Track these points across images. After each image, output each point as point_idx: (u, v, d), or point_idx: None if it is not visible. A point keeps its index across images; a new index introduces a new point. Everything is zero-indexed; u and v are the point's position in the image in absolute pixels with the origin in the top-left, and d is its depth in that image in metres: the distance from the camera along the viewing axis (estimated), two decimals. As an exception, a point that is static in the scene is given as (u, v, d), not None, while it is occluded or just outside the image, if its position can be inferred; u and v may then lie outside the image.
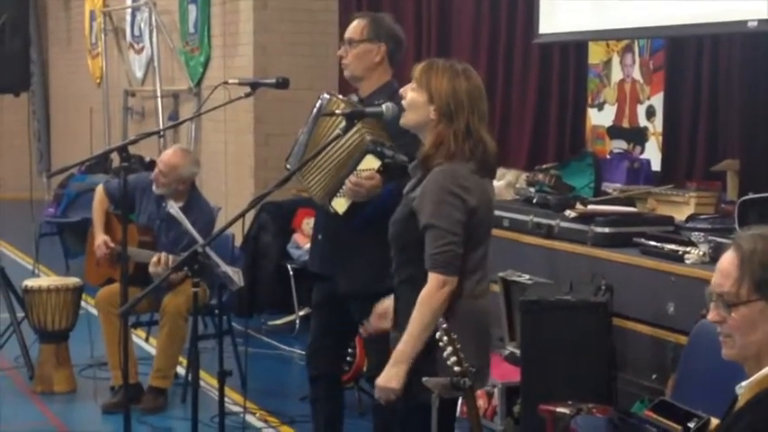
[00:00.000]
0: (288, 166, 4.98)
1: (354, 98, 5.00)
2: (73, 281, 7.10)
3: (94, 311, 6.93)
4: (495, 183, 4.84)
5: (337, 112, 4.54)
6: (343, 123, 4.23)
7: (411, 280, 3.84)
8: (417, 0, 9.19)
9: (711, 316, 2.60)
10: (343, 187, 4.70)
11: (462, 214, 3.73)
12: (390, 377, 3.75)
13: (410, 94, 3.90)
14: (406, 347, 3.74)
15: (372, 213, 4.67)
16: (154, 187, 6.71)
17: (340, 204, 4.75)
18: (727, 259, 2.56)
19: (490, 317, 3.98)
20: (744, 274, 2.54)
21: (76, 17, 15.01)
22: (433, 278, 3.72)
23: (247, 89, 5.21)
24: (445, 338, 3.45)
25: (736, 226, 5.50)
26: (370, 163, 4.65)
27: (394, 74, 5.08)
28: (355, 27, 5.04)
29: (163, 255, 6.30)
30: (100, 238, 6.71)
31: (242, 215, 4.12)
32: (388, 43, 5.02)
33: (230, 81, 5.23)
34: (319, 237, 5.08)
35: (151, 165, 9.05)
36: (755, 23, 5.59)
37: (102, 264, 6.78)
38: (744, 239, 2.55)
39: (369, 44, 4.98)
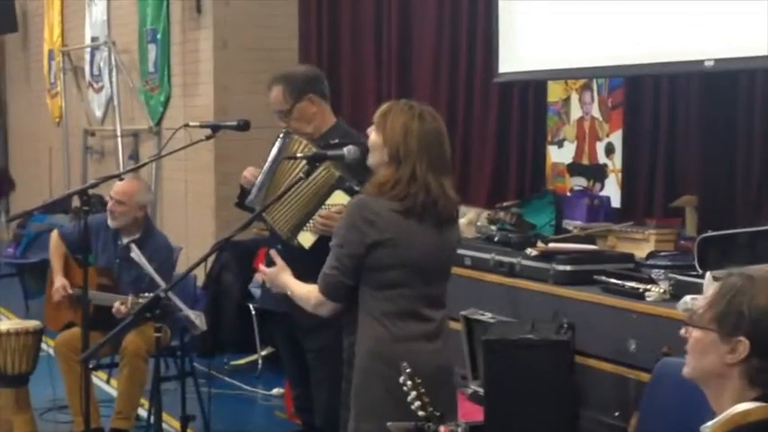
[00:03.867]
0: (249, 206, 4.99)
1: None
2: (33, 323, 7.02)
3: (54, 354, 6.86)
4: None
5: (299, 155, 4.56)
6: (305, 166, 4.25)
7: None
8: (377, 41, 9.22)
9: (682, 330, 2.68)
10: (310, 222, 4.72)
11: (358, 247, 3.82)
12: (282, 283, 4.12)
13: (371, 136, 3.96)
14: (292, 290, 4.10)
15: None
16: (109, 221, 6.67)
17: (306, 239, 4.77)
18: (715, 286, 2.64)
19: (416, 362, 3.60)
20: (714, 303, 2.59)
21: (35, 56, 14.95)
22: (314, 291, 3.97)
23: (208, 131, 5.22)
24: (409, 383, 3.45)
25: (696, 263, 5.54)
26: (340, 198, 4.68)
27: (334, 110, 5.18)
28: (277, 98, 5.10)
29: (128, 298, 6.24)
30: (58, 282, 6.66)
31: (206, 258, 4.12)
32: (313, 90, 5.07)
33: (191, 123, 5.24)
34: None
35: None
36: (712, 63, 5.66)
37: (62, 308, 6.73)
38: (735, 275, 2.61)
39: (298, 104, 5.03)
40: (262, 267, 4.32)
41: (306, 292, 4.04)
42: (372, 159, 3.99)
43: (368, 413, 3.86)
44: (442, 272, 4.04)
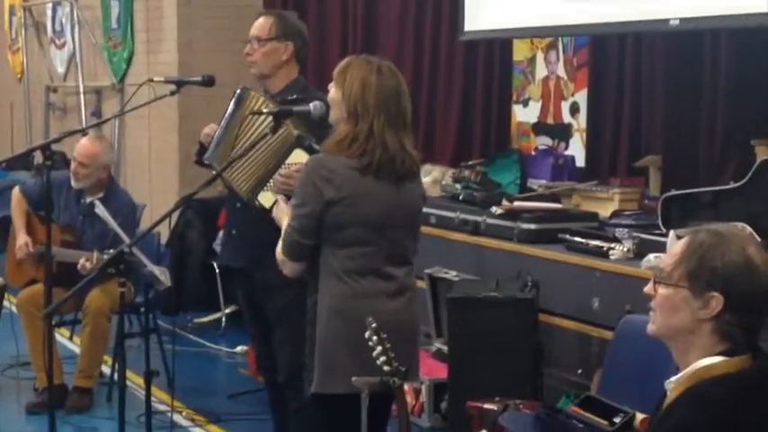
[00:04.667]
0: (207, 162, 4.96)
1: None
2: (-6, 280, 7.00)
3: (16, 310, 6.83)
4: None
5: (265, 110, 4.53)
6: (270, 122, 4.22)
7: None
8: (343, -2, 9.18)
9: (647, 287, 2.69)
10: (270, 182, 4.69)
11: (315, 205, 3.82)
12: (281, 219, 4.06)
13: (331, 92, 3.95)
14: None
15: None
16: (73, 182, 6.63)
17: (267, 198, 4.73)
18: (680, 243, 2.65)
19: (378, 319, 3.66)
20: (683, 260, 2.61)
21: (-4, 11, 14.79)
22: (279, 251, 3.94)
23: (173, 87, 5.17)
24: (375, 338, 3.46)
25: (660, 222, 5.57)
26: (299, 157, 4.64)
27: (300, 70, 5.09)
28: (262, 25, 5.02)
29: (92, 255, 6.21)
30: (21, 239, 6.62)
31: (169, 214, 4.09)
32: (296, 41, 5.02)
33: (155, 79, 5.18)
34: (233, 232, 5.07)
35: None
36: (677, 22, 5.67)
37: (24, 265, 6.69)
38: (701, 231, 2.63)
39: (276, 42, 4.98)
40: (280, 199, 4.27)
41: (278, 250, 4.00)
42: (332, 116, 3.97)
43: (331, 371, 3.86)
44: (403, 228, 4.00)
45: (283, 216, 4.05)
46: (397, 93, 3.91)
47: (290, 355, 4.84)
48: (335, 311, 3.87)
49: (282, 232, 3.94)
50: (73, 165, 6.65)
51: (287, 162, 4.65)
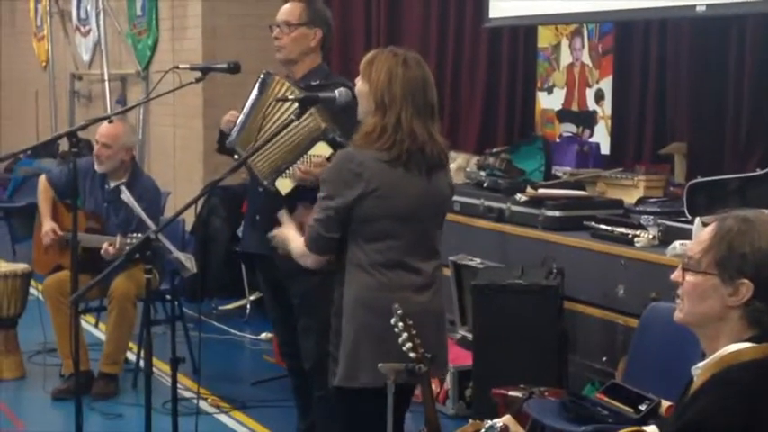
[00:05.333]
0: (230, 147, 4.97)
1: None
2: (21, 266, 7.03)
3: (43, 298, 6.87)
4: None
5: (290, 97, 4.53)
6: (296, 108, 4.22)
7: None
8: (367, -16, 9.17)
9: (674, 275, 2.67)
10: (290, 169, 4.70)
11: (344, 200, 3.79)
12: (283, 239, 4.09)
13: (358, 84, 3.94)
14: (290, 243, 4.04)
15: (314, 200, 4.69)
16: (96, 165, 6.64)
17: (284, 185, 4.75)
18: (707, 229, 2.64)
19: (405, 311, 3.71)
20: (711, 247, 2.60)
21: (21, -1, 14.84)
22: (302, 244, 3.95)
23: (198, 74, 5.18)
24: (401, 324, 3.46)
25: (685, 209, 5.56)
26: (322, 149, 4.65)
27: (324, 57, 5.11)
28: (292, 10, 5.02)
29: (116, 239, 6.24)
30: (47, 226, 6.64)
31: (195, 201, 4.10)
32: (323, 28, 5.03)
33: (181, 66, 5.18)
34: (257, 217, 5.07)
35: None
36: (704, 8, 5.64)
37: (50, 251, 6.72)
38: (729, 218, 2.61)
39: (305, 29, 4.99)
40: (274, 232, 4.23)
41: (295, 245, 4.01)
42: (360, 108, 3.96)
43: (355, 364, 3.86)
44: (432, 221, 3.99)
45: (290, 240, 4.07)
46: (424, 83, 3.90)
47: (315, 343, 4.85)
48: (361, 303, 3.86)
49: (307, 225, 3.92)
50: (96, 147, 6.67)
51: (309, 153, 4.66)
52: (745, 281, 2.55)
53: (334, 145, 4.59)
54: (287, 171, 4.73)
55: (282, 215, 4.20)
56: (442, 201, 4.04)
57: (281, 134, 4.47)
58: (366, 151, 3.81)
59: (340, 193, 3.80)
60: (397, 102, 3.82)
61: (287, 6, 5.05)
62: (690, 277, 2.64)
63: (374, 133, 3.82)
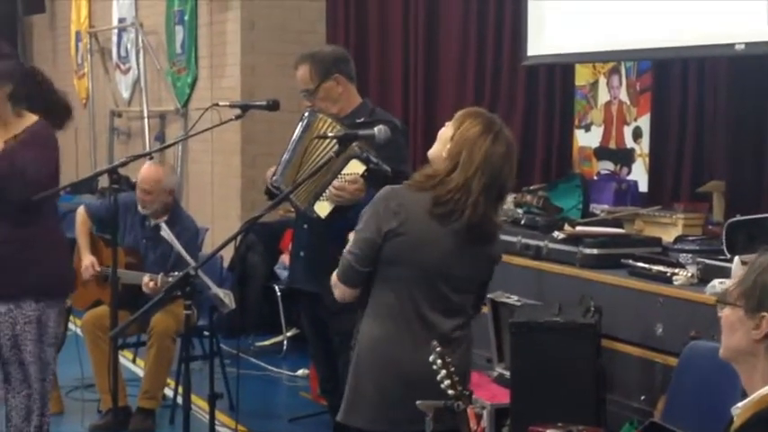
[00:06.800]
0: (275, 186, 5.00)
1: None
2: (60, 302, 7.07)
3: (81, 333, 6.90)
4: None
5: (330, 134, 4.57)
6: (335, 145, 4.25)
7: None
8: (405, 23, 9.21)
9: (720, 312, 2.70)
10: (327, 191, 4.73)
11: (376, 234, 3.78)
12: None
13: (445, 127, 3.92)
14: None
15: (354, 220, 4.71)
16: (140, 208, 6.71)
17: (323, 208, 4.78)
18: (748, 264, 2.65)
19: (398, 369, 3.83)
20: (742, 281, 2.60)
21: (62, 37, 14.99)
22: (334, 278, 3.93)
23: (237, 111, 5.23)
24: (439, 361, 3.46)
25: (724, 248, 5.53)
26: (355, 167, 4.68)
27: (358, 87, 5.19)
28: (303, 76, 5.09)
29: (157, 277, 6.28)
30: (87, 260, 6.69)
31: (234, 237, 4.12)
32: (339, 69, 5.07)
33: (221, 103, 5.24)
34: (301, 254, 5.09)
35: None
36: (743, 47, 5.63)
37: (89, 286, 6.76)
38: (764, 254, 2.62)
39: (325, 84, 5.03)
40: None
41: (333, 275, 4.00)
42: (433, 150, 3.92)
43: (356, 404, 3.88)
44: (465, 281, 3.92)
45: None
46: (508, 161, 3.86)
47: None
48: (369, 350, 3.88)
49: (341, 257, 3.93)
50: (138, 193, 6.71)
51: (342, 172, 4.69)
52: (766, 314, 2.55)
53: (367, 162, 4.60)
54: (324, 194, 4.77)
55: None
56: (482, 266, 4.00)
57: (322, 170, 4.50)
58: (416, 194, 3.77)
59: (373, 227, 3.79)
60: (473, 166, 3.76)
61: (298, 74, 5.12)
62: (725, 310, 2.65)
63: (435, 179, 3.78)
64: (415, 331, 3.82)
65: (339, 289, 3.94)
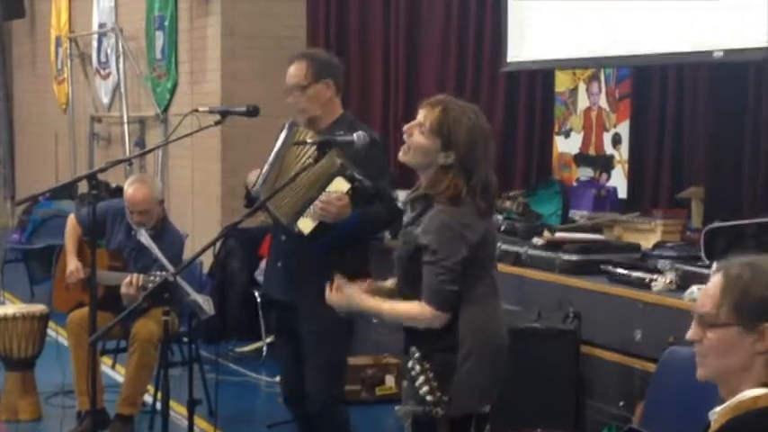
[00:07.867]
0: (255, 196, 4.99)
1: None
2: (39, 308, 7.05)
3: (62, 339, 6.88)
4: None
5: (308, 140, 4.56)
6: (314, 152, 4.25)
7: None
8: (385, 30, 9.22)
9: (690, 334, 2.63)
10: (310, 208, 4.72)
11: (464, 252, 3.86)
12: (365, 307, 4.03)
13: (418, 137, 3.97)
14: (383, 311, 4.01)
15: (336, 238, 4.71)
16: (135, 226, 6.67)
17: (306, 225, 4.76)
18: (713, 282, 2.60)
19: (503, 340, 4.06)
20: (725, 298, 2.56)
21: (42, 42, 14.96)
22: (427, 309, 3.87)
23: (217, 117, 5.21)
24: (417, 367, 3.47)
25: (702, 254, 5.55)
26: (340, 185, 4.67)
27: (342, 99, 5.18)
28: (298, 72, 5.03)
29: (134, 276, 6.26)
30: (72, 265, 6.67)
31: (213, 243, 4.12)
32: (332, 77, 5.06)
33: (201, 109, 5.23)
34: (279, 264, 5.07)
35: (117, 191, 9.01)
36: (721, 54, 5.66)
37: (73, 289, 6.75)
38: (732, 266, 2.59)
39: (317, 85, 5.01)
40: (328, 295, 4.13)
41: (411, 313, 3.94)
42: (420, 160, 4.00)
43: (470, 389, 3.89)
44: None
45: (376, 309, 4.05)
46: (492, 134, 4.10)
47: (322, 386, 4.85)
48: (481, 332, 3.93)
49: (430, 289, 3.87)
50: (133, 215, 6.63)
51: (327, 190, 4.68)
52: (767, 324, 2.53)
53: (352, 180, 4.61)
54: (307, 210, 4.75)
55: (338, 280, 4.17)
56: None
57: (299, 177, 4.49)
58: (459, 209, 3.87)
59: (459, 247, 3.85)
60: (481, 163, 3.94)
61: (292, 69, 5.07)
62: (711, 333, 2.59)
63: (463, 195, 3.88)
64: (500, 307, 4.12)
65: (440, 319, 3.88)
